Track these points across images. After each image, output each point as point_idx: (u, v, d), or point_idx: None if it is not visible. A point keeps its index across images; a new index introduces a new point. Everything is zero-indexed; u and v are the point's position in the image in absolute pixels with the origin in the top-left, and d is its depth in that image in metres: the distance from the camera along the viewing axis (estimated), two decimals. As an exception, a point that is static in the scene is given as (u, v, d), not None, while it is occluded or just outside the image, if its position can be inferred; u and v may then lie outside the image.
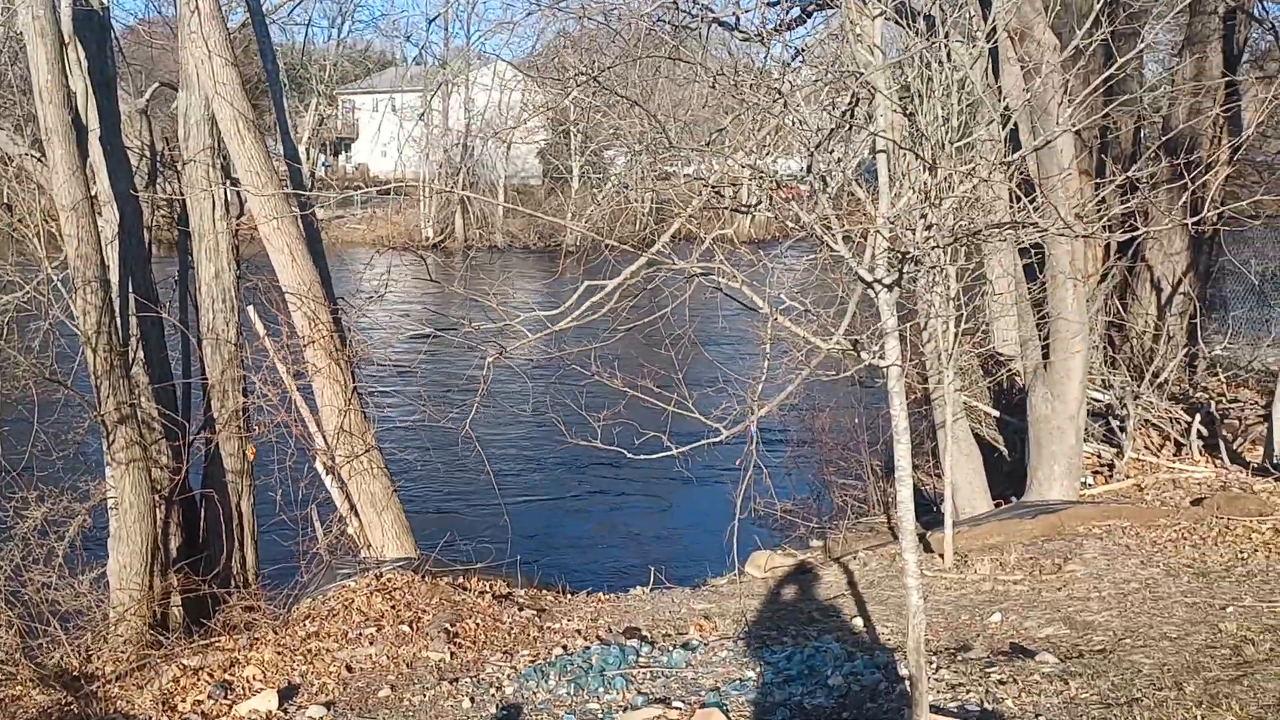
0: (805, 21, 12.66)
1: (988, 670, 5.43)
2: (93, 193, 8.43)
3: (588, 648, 6.39)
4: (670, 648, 6.30)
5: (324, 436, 8.46)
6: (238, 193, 9.57)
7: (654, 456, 6.06)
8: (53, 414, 9.10)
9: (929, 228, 3.34)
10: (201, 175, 9.02)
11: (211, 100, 8.08)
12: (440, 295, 22.53)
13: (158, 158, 10.42)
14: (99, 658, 7.43)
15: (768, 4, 9.93)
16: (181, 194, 9.76)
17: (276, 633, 6.97)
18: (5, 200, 11.45)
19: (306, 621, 7.11)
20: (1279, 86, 8.58)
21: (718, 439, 5.71)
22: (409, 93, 52.99)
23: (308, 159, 46.86)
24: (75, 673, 6.94)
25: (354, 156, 63.39)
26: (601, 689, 5.63)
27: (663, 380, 7.74)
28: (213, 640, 7.14)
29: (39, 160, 8.49)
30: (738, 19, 10.13)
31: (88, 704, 6.14)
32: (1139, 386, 11.11)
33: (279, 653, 6.48)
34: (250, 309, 9.08)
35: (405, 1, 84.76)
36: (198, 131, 8.90)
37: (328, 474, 8.53)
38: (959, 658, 5.80)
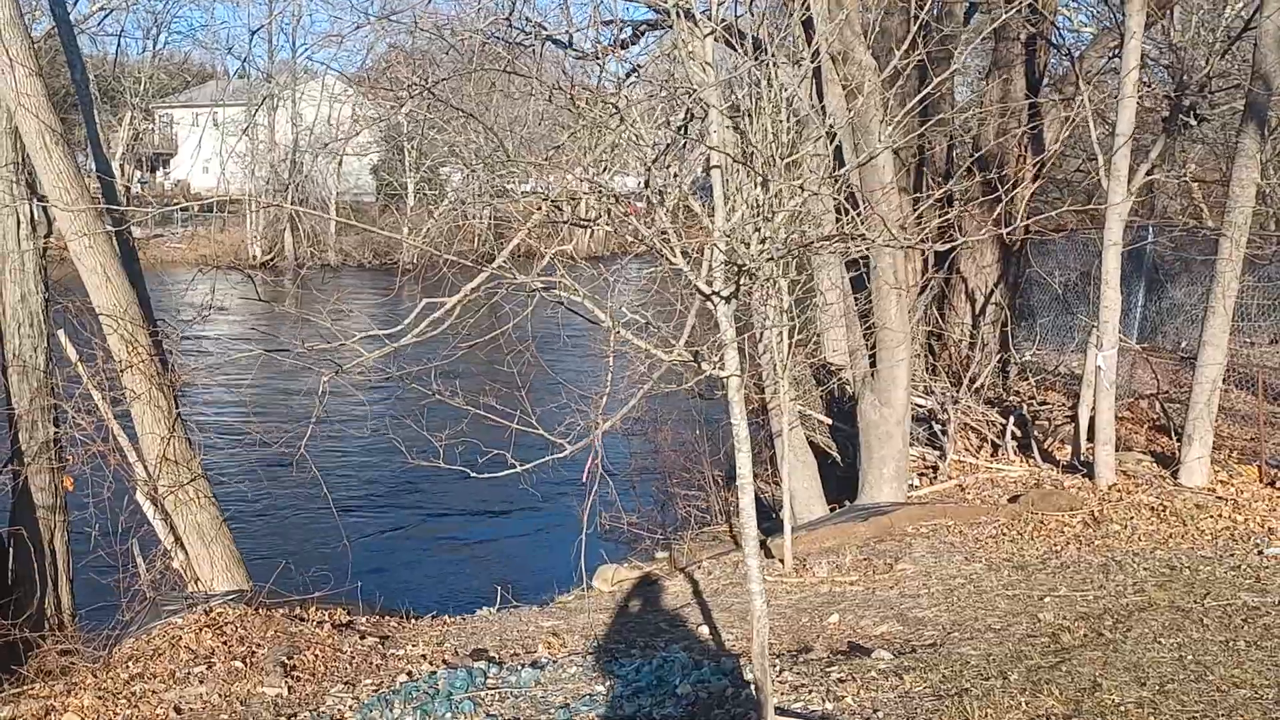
0: (638, 41, 12.89)
1: (828, 670, 5.61)
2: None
3: (434, 673, 6.26)
4: (519, 667, 6.24)
5: (145, 466, 8.02)
6: (45, 210, 8.98)
7: (498, 475, 6.01)
8: None
9: (763, 241, 3.45)
10: (4, 191, 8.42)
11: (14, 112, 7.57)
12: (270, 315, 21.72)
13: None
14: (-108, 716, 6.80)
15: (601, 23, 10.06)
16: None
17: (97, 676, 6.54)
18: None
19: (130, 662, 6.70)
20: (1079, 107, 9.24)
21: (562, 454, 5.71)
22: (231, 106, 50.98)
23: (123, 175, 44.49)
24: None
25: (173, 172, 60.56)
26: (449, 714, 5.52)
27: (505, 397, 7.69)
28: (25, 688, 6.64)
29: None
30: (571, 37, 10.23)
31: (-121, 768, 5.61)
32: (958, 392, 11.72)
33: (100, 697, 6.08)
34: (61, 333, 8.52)
35: (225, 13, 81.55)
36: (3, 144, 8.31)
37: (150, 505, 8.08)
38: (801, 659, 5.97)
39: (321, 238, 47.30)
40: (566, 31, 10.04)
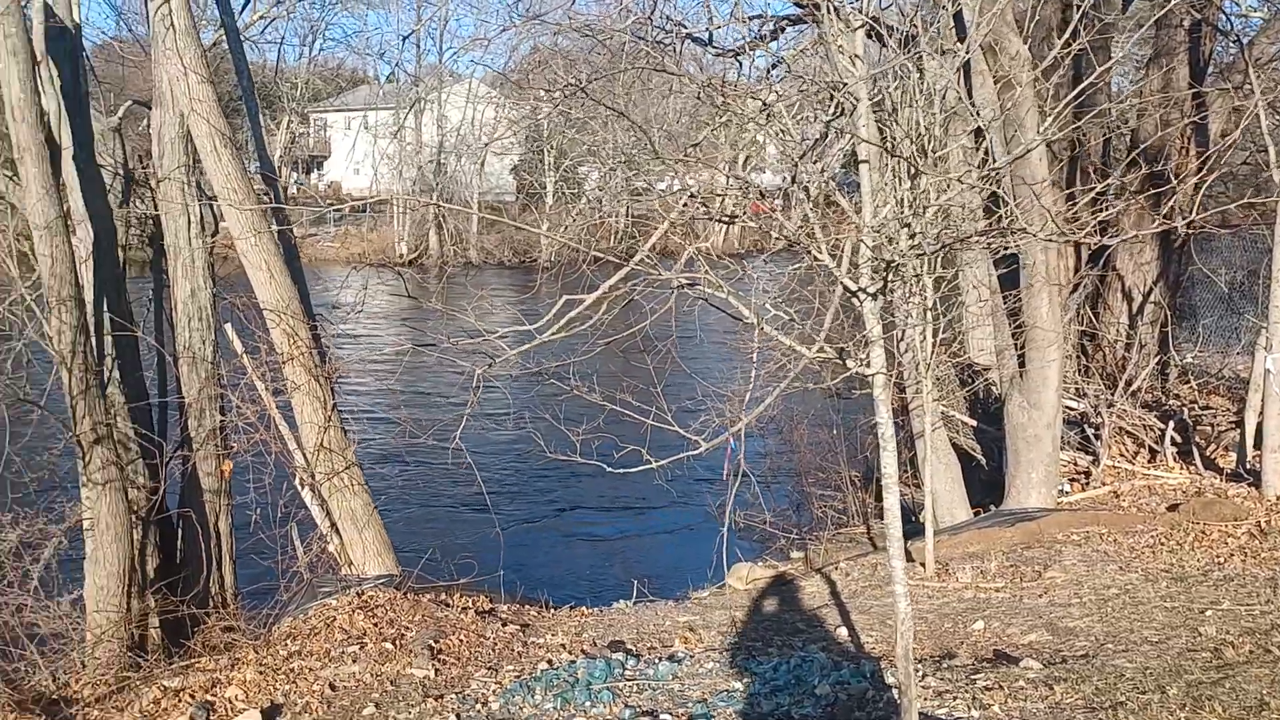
0: (778, 36, 12.79)
1: (973, 677, 5.47)
2: (66, 212, 8.36)
3: (573, 662, 6.37)
4: (656, 660, 6.29)
5: (304, 454, 8.41)
6: (213, 210, 9.52)
7: (633, 470, 6.07)
8: (25, 435, 9.00)
9: (912, 236, 3.38)
10: (176, 193, 8.96)
11: (187, 117, 8.04)
12: (417, 312, 22.47)
13: (131, 176, 10.35)
14: (77, 681, 7.33)
15: (742, 20, 10.03)
16: (156, 212, 9.70)
17: (258, 652, 6.91)
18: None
19: (288, 640, 7.05)
20: (1248, 97, 8.72)
21: (697, 451, 5.72)
22: (381, 110, 52.93)
23: (280, 177, 46.66)
24: (54, 696, 6.84)
25: (326, 174, 63.21)
26: (588, 703, 5.61)
27: (641, 394, 7.76)
28: (193, 661, 7.06)
29: (11, 179, 8.41)
30: (711, 35, 10.23)
31: (67, 728, 6.07)
32: (1113, 394, 11.23)
33: (261, 672, 6.42)
34: (228, 326, 9.02)
35: (377, 19, 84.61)
36: (172, 149, 8.85)
37: (308, 492, 8.47)
38: (944, 665, 5.83)
39: (464, 236, 48.64)
40: (707, 29, 10.05)
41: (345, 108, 60.52)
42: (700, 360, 17.90)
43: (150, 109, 9.44)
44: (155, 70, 8.70)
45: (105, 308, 8.93)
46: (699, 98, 4.05)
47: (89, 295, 8.61)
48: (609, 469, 5.98)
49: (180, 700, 6.11)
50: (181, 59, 7.70)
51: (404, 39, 50.84)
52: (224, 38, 10.59)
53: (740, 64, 11.34)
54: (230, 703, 6.04)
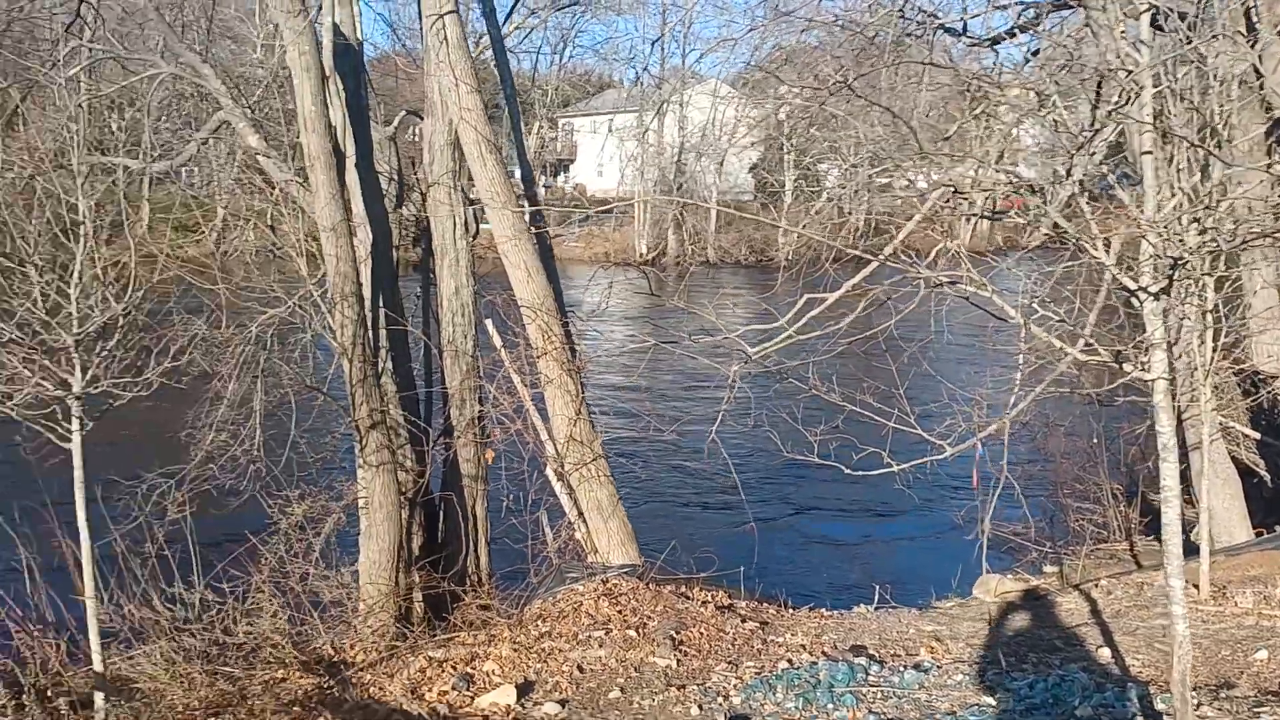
0: (1038, 24, 12.15)
1: (1256, 710, 5.02)
2: (348, 215, 9.11)
3: (814, 663, 6.33)
4: (901, 668, 6.15)
5: (555, 444, 8.78)
6: (475, 212, 10.11)
7: (873, 473, 5.94)
8: (309, 419, 9.86)
9: (1203, 232, 3.14)
10: (444, 196, 9.58)
11: (456, 125, 8.57)
12: (657, 309, 22.94)
13: (404, 181, 11.14)
14: (352, 647, 7.97)
15: (996, 7, 9.62)
16: (425, 214, 10.40)
17: (511, 631, 7.27)
18: (271, 222, 12.53)
19: (538, 621, 7.38)
20: None
21: (941, 456, 5.54)
22: (625, 113, 54.40)
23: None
24: (333, 659, 7.47)
25: (573, 177, 65.56)
26: (830, 705, 5.56)
27: (882, 395, 7.58)
28: (453, 635, 7.53)
29: (302, 185, 9.25)
30: (965, 24, 9.87)
31: (344, 689, 6.61)
32: None
33: (515, 650, 6.76)
34: (488, 322, 9.54)
35: (625, 25, 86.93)
36: (441, 156, 9.46)
37: (557, 481, 8.84)
38: (1222, 695, 5.38)
39: (702, 236, 49.21)
40: (961, 19, 9.71)
41: (591, 112, 62.58)
42: (944, 362, 17.29)
43: (421, 118, 10.14)
44: (427, 82, 9.33)
45: (380, 303, 9.67)
46: (965, 90, 3.92)
47: (366, 292, 9.35)
48: (847, 470, 5.89)
49: (443, 670, 6.53)
50: (453, 71, 8.22)
51: (654, 43, 51.92)
52: (486, 50, 11.21)
53: (996, 53, 10.86)
54: (488, 676, 6.40)
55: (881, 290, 7.22)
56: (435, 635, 7.86)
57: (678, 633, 6.99)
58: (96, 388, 6.00)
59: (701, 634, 7.11)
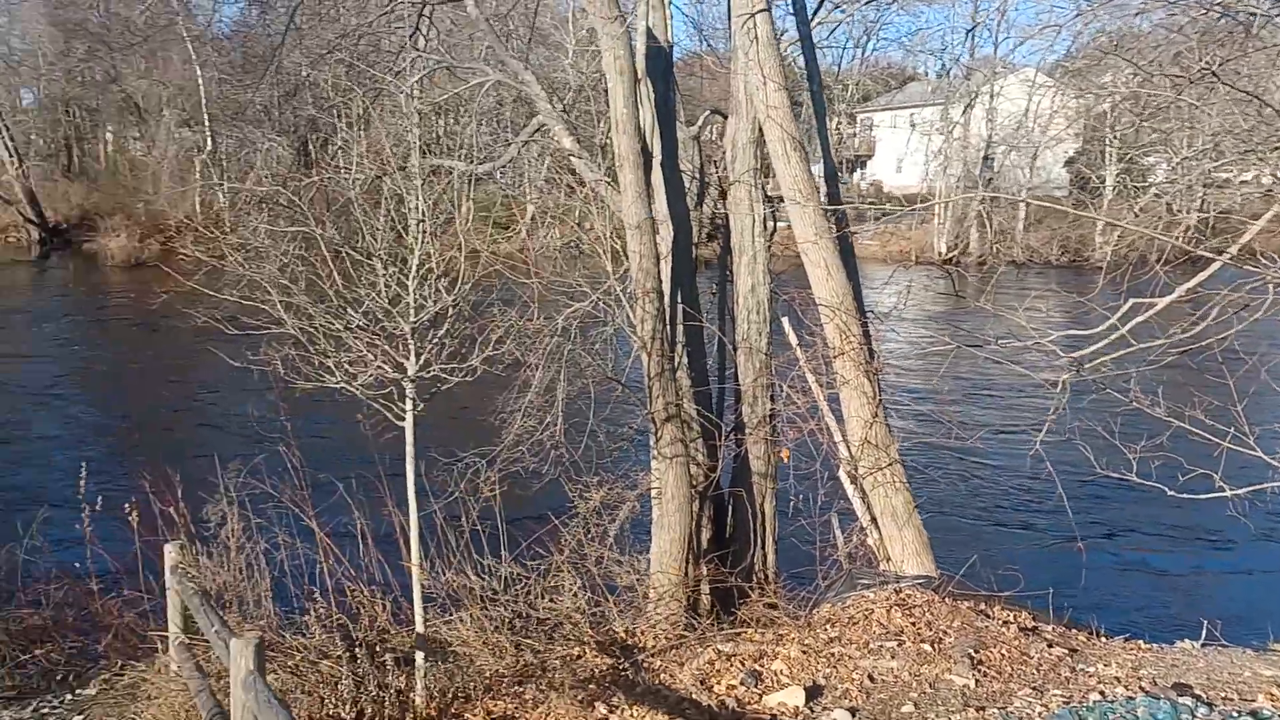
0: None
1: None
2: (652, 213, 9.37)
3: (1131, 698, 5.83)
4: (1234, 713, 5.54)
5: (848, 447, 8.62)
6: (774, 211, 10.11)
7: (1201, 496, 5.37)
8: (607, 409, 10.25)
9: None
10: (744, 195, 9.65)
11: (762, 123, 8.60)
12: (958, 310, 22.03)
13: (705, 180, 11.33)
14: (643, 632, 8.22)
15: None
16: (722, 212, 10.53)
17: (799, 632, 7.22)
18: (578, 219, 13.15)
19: (827, 626, 7.28)
20: None
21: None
22: (929, 106, 52.64)
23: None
24: (625, 642, 7.74)
25: (869, 173, 64.29)
26: (1149, 747, 5.10)
27: (1215, 411, 6.85)
28: (741, 630, 7.58)
29: (611, 184, 9.62)
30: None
31: (636, 672, 6.82)
32: None
33: (803, 652, 6.71)
34: (785, 320, 9.53)
35: (933, 16, 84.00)
36: (744, 154, 9.53)
37: (850, 484, 8.68)
38: None
39: (1008, 234, 46.75)
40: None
41: (892, 106, 61.06)
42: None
43: (724, 117, 10.26)
44: (733, 80, 9.42)
45: (679, 299, 9.89)
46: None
47: (666, 288, 9.59)
48: (1171, 493, 5.38)
49: (731, 665, 6.59)
50: (761, 68, 8.25)
51: (969, 32, 49.84)
52: (792, 47, 11.17)
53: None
54: (776, 675, 6.39)
55: (1225, 295, 6.54)
56: (722, 629, 7.95)
57: (976, 651, 6.67)
58: (428, 372, 6.53)
59: (1002, 655, 6.74)
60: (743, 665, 6.57)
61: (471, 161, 13.07)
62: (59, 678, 8.22)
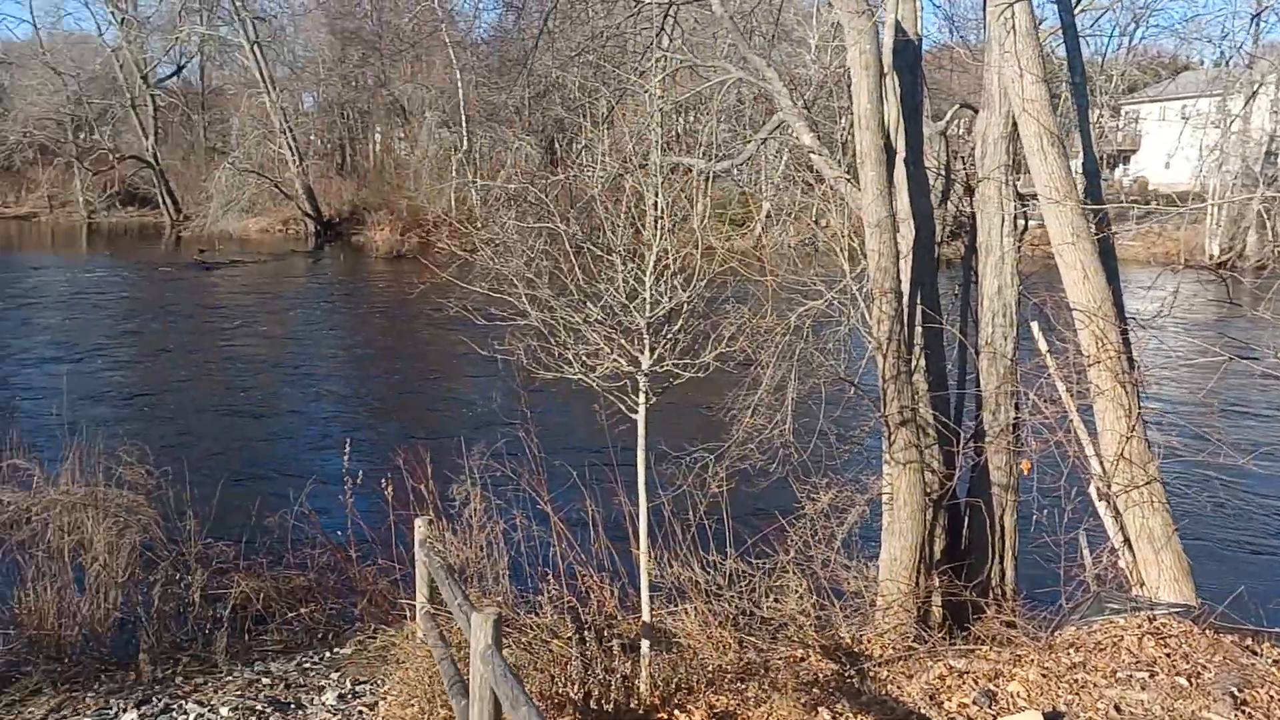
0: None
1: None
2: (894, 211, 9.11)
3: None
4: None
5: (1101, 462, 8.08)
6: (1025, 209, 9.61)
7: None
8: (837, 410, 10.07)
9: None
10: (994, 192, 9.22)
11: (1017, 118, 8.19)
12: (1231, 318, 20.18)
13: (951, 177, 10.91)
14: (869, 640, 8.03)
15: None
16: (970, 211, 10.10)
17: (1039, 654, 6.84)
18: (815, 217, 12.99)
19: (1070, 650, 6.86)
20: None
21: None
22: (1202, 98, 48.50)
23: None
24: (850, 648, 7.59)
25: (1133, 169, 60.00)
26: None
27: None
28: (975, 647, 7.26)
29: (850, 182, 9.42)
30: None
31: (862, 680, 6.67)
32: None
33: (1043, 675, 6.34)
34: (1033, 325, 9.04)
35: (1214, 1, 77.24)
36: (994, 150, 9.11)
37: (1101, 501, 8.13)
38: None
39: (1297, 236, 42.46)
40: None
41: (1160, 98, 56.70)
42: None
43: (975, 111, 9.84)
44: (987, 73, 9.02)
45: (918, 300, 9.57)
46: None
47: (905, 288, 9.30)
48: None
49: (964, 682, 6.32)
50: (1019, 60, 7.85)
51: (1254, 17, 45.58)
52: (1052, 36, 10.57)
53: None
54: (1012, 697, 6.08)
55: None
56: (954, 644, 7.65)
57: (1240, 690, 6.09)
58: (661, 366, 6.64)
59: (1271, 697, 6.12)
60: (975, 684, 6.29)
61: (710, 159, 13.16)
62: (319, 636, 8.96)
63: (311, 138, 61.66)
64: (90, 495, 8.68)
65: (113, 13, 61.13)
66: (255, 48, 53.04)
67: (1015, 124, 8.55)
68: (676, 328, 6.71)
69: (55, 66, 62.29)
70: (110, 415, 17.24)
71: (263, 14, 57.51)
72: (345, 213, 53.79)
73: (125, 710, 7.20)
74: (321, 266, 43.59)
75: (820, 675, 6.78)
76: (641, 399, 6.77)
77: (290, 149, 52.72)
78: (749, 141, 12.74)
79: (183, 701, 7.41)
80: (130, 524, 8.66)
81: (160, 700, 7.43)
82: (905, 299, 9.19)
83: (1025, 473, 9.10)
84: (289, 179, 53.16)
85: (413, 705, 6.73)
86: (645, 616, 6.79)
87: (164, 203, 60.06)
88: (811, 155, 10.11)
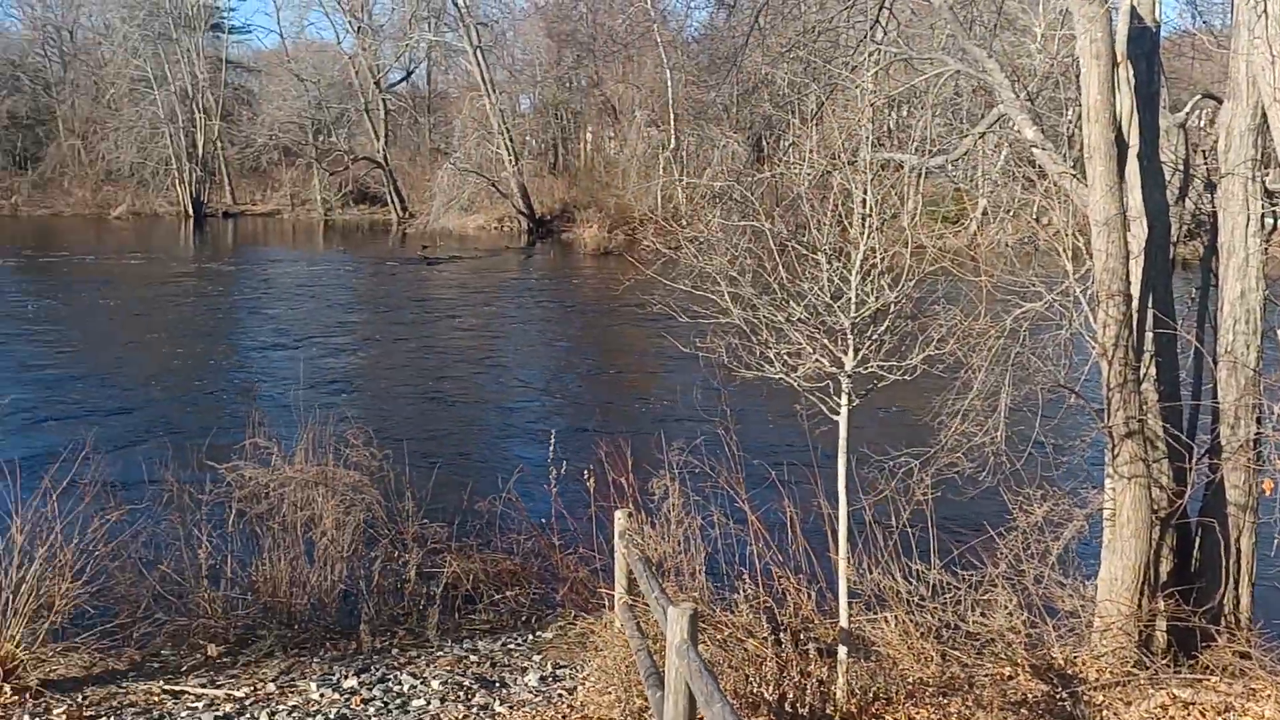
0: None
1: None
2: (1124, 208, 8.55)
3: None
4: None
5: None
6: (1273, 209, 8.83)
7: None
8: (1054, 419, 9.55)
9: None
10: (1238, 189, 8.52)
11: (1266, 109, 7.54)
12: None
13: (1190, 172, 10.14)
14: (1082, 662, 7.59)
15: None
16: (1211, 209, 9.36)
17: (1277, 689, 6.28)
18: (1036, 214, 12.37)
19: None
20: None
21: None
22: None
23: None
24: (1062, 669, 7.20)
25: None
26: None
27: None
28: (1202, 677, 6.75)
29: (1077, 178, 8.91)
30: None
31: (1075, 704, 6.32)
32: None
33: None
34: (1279, 332, 8.31)
35: None
36: (1240, 143, 8.41)
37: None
38: None
39: None
40: None
41: None
42: None
43: (1219, 102, 9.11)
44: (1232, 61, 8.33)
45: (1149, 304, 8.96)
46: None
47: (1135, 291, 8.72)
48: None
49: (1189, 714, 5.90)
50: (1270, 46, 7.21)
51: None
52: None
53: None
54: (1245, 736, 5.62)
55: None
56: (1179, 672, 7.13)
57: None
58: (865, 368, 6.50)
59: None
60: (1202, 716, 5.86)
61: (923, 154, 12.76)
62: (523, 619, 9.29)
63: (527, 138, 63.97)
64: (321, 474, 9.31)
65: (350, 22, 65.38)
66: (478, 52, 55.48)
67: (1265, 115, 7.87)
68: (883, 328, 6.55)
69: (299, 73, 67.24)
70: (339, 400, 18.49)
71: (485, 20, 60.14)
72: (556, 210, 55.52)
73: (346, 677, 7.69)
74: (533, 262, 45.19)
75: (1029, 695, 6.47)
76: (844, 400, 6.65)
77: (506, 149, 54.89)
78: (966, 136, 12.27)
79: (398, 672, 7.85)
80: (355, 502, 9.24)
81: (378, 670, 7.91)
82: (1135, 302, 8.63)
83: (1267, 493, 8.37)
84: (505, 178, 55.35)
85: (610, 693, 6.87)
86: (843, 622, 6.67)
87: (392, 201, 63.75)
88: (1034, 149, 9.64)
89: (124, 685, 7.57)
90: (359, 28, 65.36)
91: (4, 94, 72.91)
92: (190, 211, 64.67)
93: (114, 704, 7.19)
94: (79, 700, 7.19)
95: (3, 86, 73.57)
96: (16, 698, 7.12)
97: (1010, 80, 9.86)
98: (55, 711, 6.98)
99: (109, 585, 8.33)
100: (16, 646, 7.32)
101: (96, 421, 16.03)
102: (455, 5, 56.91)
